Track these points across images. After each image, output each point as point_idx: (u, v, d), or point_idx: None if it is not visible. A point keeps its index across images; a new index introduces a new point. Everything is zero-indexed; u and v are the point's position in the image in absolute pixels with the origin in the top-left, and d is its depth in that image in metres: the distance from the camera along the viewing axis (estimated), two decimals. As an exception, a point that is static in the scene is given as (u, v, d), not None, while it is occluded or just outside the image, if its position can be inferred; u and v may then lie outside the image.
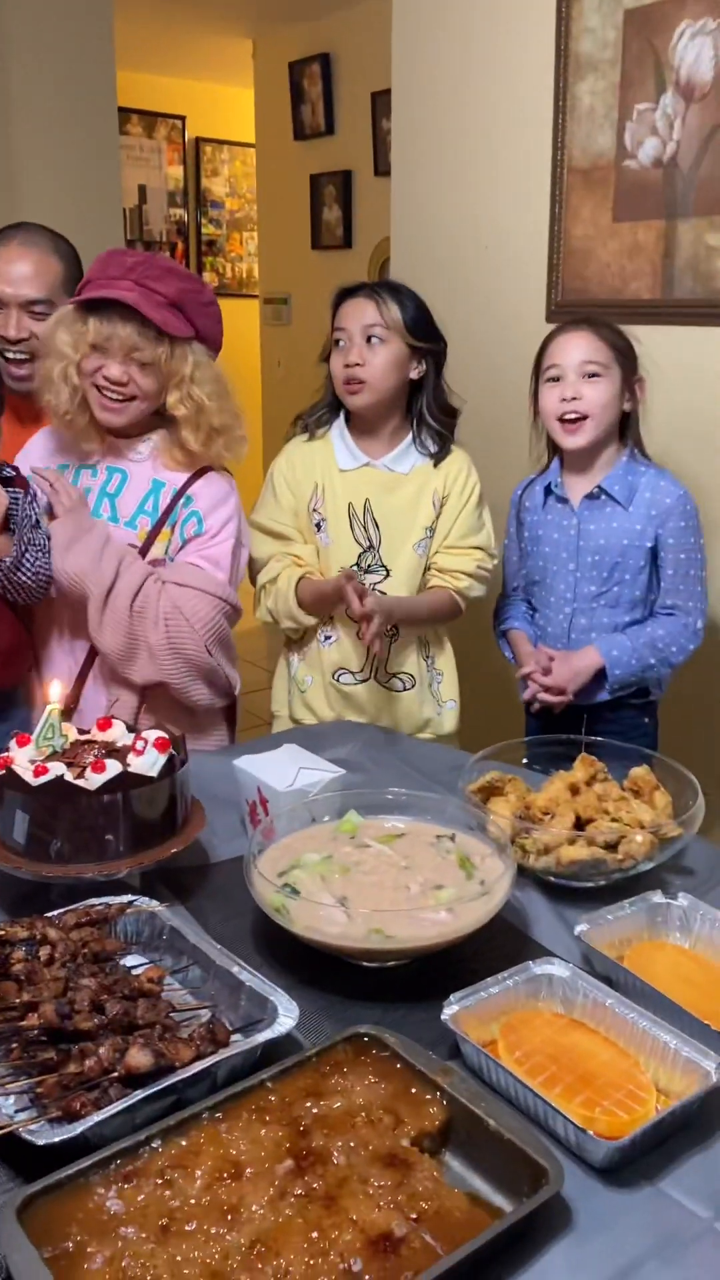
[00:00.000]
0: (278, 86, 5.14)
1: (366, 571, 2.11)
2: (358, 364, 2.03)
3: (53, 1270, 0.81)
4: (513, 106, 2.73)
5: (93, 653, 1.93)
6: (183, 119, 6.35)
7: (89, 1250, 0.84)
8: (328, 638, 2.18)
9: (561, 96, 2.59)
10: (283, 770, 1.53)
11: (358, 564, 2.12)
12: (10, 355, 2.13)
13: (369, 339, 2.03)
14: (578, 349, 2.02)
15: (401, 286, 2.10)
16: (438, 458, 2.14)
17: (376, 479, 2.13)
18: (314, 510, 2.15)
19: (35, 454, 2.00)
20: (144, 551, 1.91)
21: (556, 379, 2.03)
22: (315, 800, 1.48)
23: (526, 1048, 1.07)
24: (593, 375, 2.00)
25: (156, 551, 1.91)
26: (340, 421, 2.17)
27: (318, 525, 2.16)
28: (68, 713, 1.78)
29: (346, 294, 2.08)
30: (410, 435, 2.15)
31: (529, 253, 2.75)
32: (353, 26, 4.70)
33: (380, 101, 4.49)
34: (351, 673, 2.17)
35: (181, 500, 1.92)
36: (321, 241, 5.08)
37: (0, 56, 3.03)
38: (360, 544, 2.11)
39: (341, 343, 2.06)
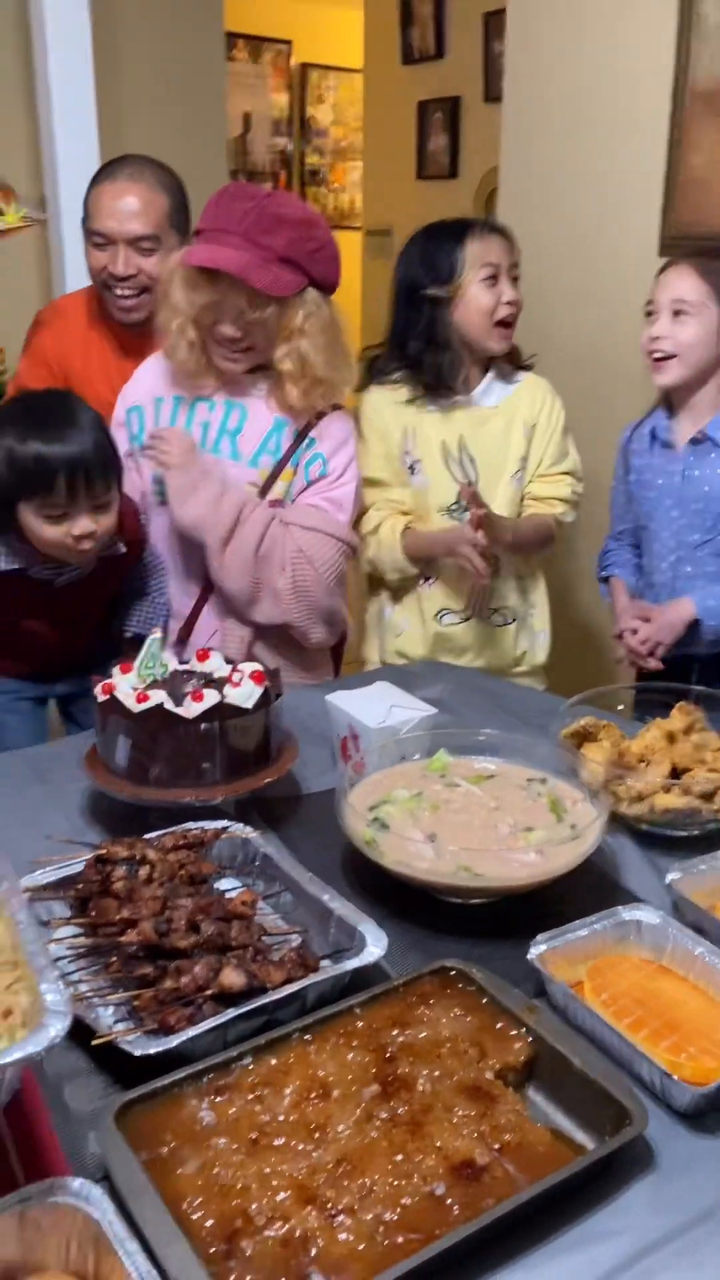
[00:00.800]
0: (387, 7, 4.99)
1: (465, 510, 2.09)
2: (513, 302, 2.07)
3: (148, 1173, 0.85)
4: (632, 24, 2.60)
5: (206, 591, 1.96)
6: (289, 43, 6.23)
7: (182, 1156, 0.88)
8: (428, 578, 2.18)
9: (686, 12, 2.46)
10: (374, 707, 1.53)
11: (457, 502, 2.10)
12: (119, 291, 2.14)
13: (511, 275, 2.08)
14: (672, 285, 1.97)
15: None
16: (515, 382, 2.17)
17: (465, 415, 2.13)
18: (405, 453, 2.14)
19: (144, 384, 2.00)
20: (264, 491, 1.91)
21: (650, 314, 1.99)
22: (405, 738, 1.49)
23: (613, 991, 1.07)
24: (680, 313, 1.95)
25: (277, 491, 1.92)
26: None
27: (410, 468, 2.14)
28: (180, 644, 1.81)
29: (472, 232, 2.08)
30: (492, 369, 2.16)
31: (642, 183, 2.64)
32: (466, -57, 4.53)
33: (493, 23, 4.32)
34: (454, 611, 2.18)
35: (305, 442, 1.91)
36: (426, 171, 4.96)
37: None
38: (459, 481, 2.09)
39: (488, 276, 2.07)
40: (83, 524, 1.67)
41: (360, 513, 2.13)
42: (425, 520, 2.15)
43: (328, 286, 1.86)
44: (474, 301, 2.05)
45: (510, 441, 2.14)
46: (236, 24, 5.59)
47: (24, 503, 1.65)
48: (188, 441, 1.90)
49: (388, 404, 2.15)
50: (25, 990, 0.86)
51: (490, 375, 2.15)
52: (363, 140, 5.69)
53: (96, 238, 2.11)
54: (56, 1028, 0.78)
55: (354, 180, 6.58)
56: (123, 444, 1.90)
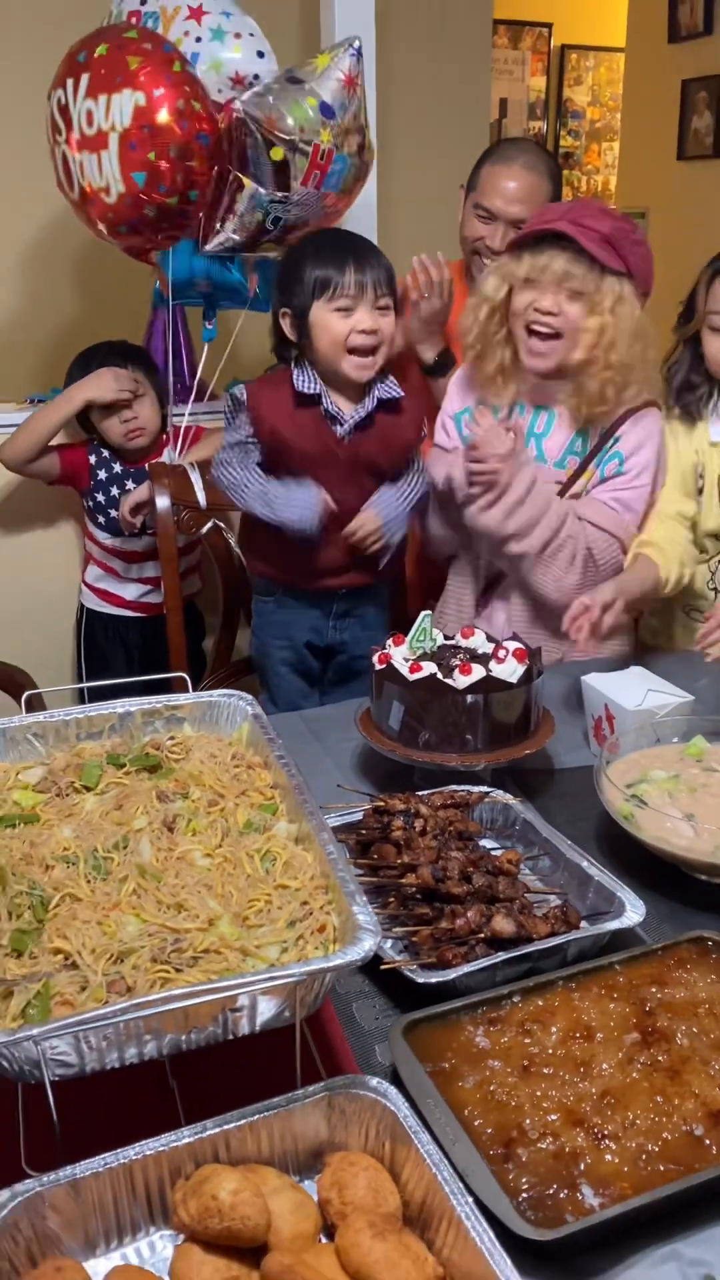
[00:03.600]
0: (654, -16, 4.90)
1: None
2: None
3: (434, 1081, 0.97)
4: None
5: (498, 575, 2.07)
6: (549, 26, 6.21)
7: (462, 1072, 0.99)
8: None
9: None
10: (631, 690, 1.59)
11: None
12: (486, 261, 2.29)
13: None
14: None
15: None
16: None
17: None
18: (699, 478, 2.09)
19: (454, 394, 2.12)
20: (564, 490, 2.00)
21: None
22: (661, 722, 1.55)
23: None
24: None
25: (576, 488, 2.00)
26: (715, 398, 2.04)
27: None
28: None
29: None
30: None
31: None
32: None
33: (768, -5, 4.18)
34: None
35: (610, 440, 1.97)
36: (688, 151, 4.85)
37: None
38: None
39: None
40: (366, 318, 1.88)
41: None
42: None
43: (642, 284, 1.91)
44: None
45: None
46: (499, 10, 5.63)
47: (317, 301, 1.88)
48: (508, 447, 1.91)
49: (684, 441, 2.06)
50: (336, 911, 0.99)
51: None
52: (620, 121, 5.62)
53: (480, 211, 2.30)
54: (369, 942, 0.90)
55: (608, 162, 6.50)
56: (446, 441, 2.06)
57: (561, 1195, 0.87)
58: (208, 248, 2.17)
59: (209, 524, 2.35)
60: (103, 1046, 0.87)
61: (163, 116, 1.97)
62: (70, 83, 1.96)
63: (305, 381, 1.94)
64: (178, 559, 2.36)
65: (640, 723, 1.53)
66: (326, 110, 2.15)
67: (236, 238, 2.17)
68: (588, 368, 1.91)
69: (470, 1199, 0.82)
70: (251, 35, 2.18)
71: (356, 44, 2.17)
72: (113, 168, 1.98)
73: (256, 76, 2.17)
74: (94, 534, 2.59)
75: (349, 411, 1.97)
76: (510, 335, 1.96)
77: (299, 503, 1.94)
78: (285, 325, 1.95)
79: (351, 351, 1.91)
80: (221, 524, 2.37)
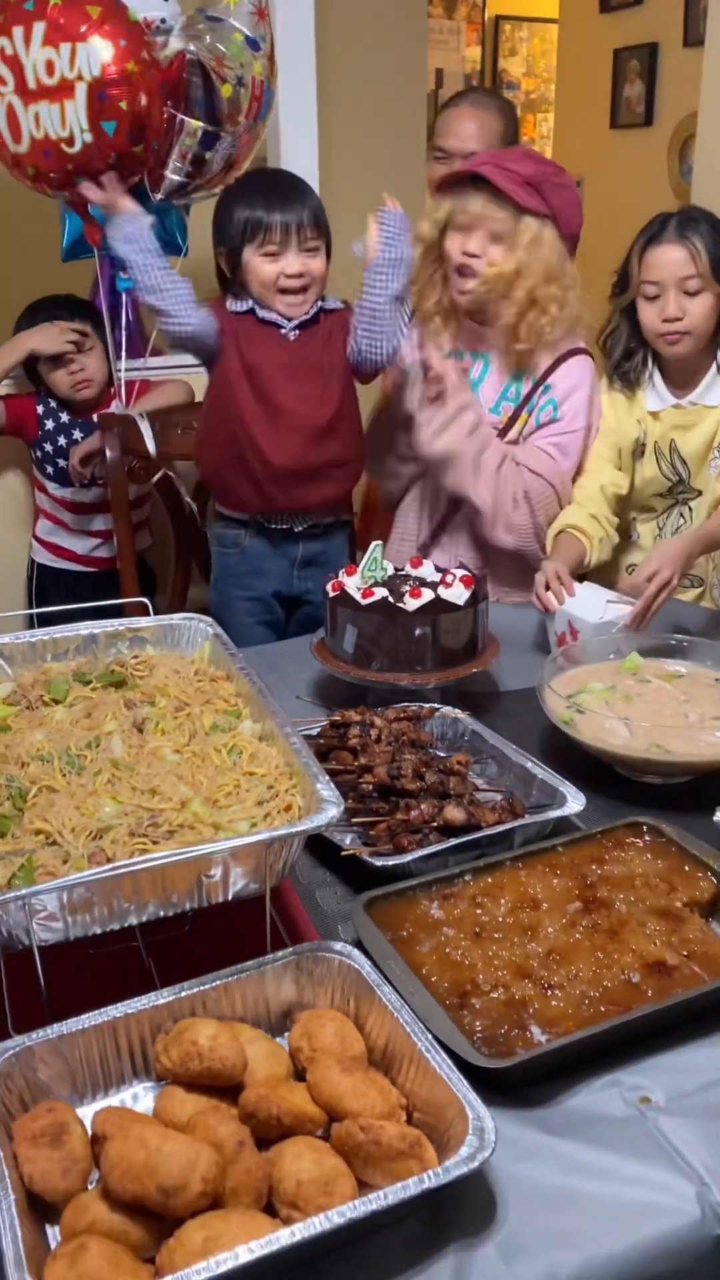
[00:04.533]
0: (586, -44, 4.98)
1: (678, 496, 2.10)
2: (678, 318, 1.91)
3: (393, 946, 1.04)
4: None
5: (443, 520, 2.15)
6: (483, -4, 6.27)
7: (419, 939, 1.07)
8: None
9: None
10: (590, 604, 1.69)
11: (668, 492, 2.10)
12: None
13: (685, 290, 1.90)
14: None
15: (704, 219, 1.91)
16: None
17: (679, 418, 2.04)
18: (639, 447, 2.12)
19: (406, 348, 2.12)
20: (503, 433, 2.08)
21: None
22: (614, 637, 1.64)
23: None
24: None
25: (512, 434, 2.08)
26: (650, 365, 2.06)
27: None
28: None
29: (651, 240, 1.91)
30: (715, 366, 2.01)
31: None
32: None
33: (696, -35, 4.28)
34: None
35: (541, 388, 2.05)
36: (620, 120, 4.95)
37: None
38: (669, 479, 2.08)
39: (654, 294, 1.92)
40: (294, 262, 1.93)
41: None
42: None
43: (566, 228, 1.97)
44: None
45: (717, 435, 2.03)
46: (433, -20, 5.68)
47: (247, 246, 1.93)
48: (459, 372, 2.02)
49: (620, 408, 2.09)
50: (301, 794, 1.06)
51: (712, 372, 2.01)
52: (555, 91, 5.70)
53: (438, 153, 2.40)
54: (334, 810, 0.98)
55: (543, 133, 6.58)
56: None
57: (513, 1034, 0.95)
58: (158, 195, 2.21)
59: (160, 473, 2.39)
60: (87, 912, 0.93)
61: (131, 65, 1.99)
62: (19, 31, 1.96)
63: (236, 304, 2.00)
64: (129, 509, 2.40)
65: (602, 634, 1.63)
66: (251, 43, 2.21)
67: (180, 179, 2.21)
68: (507, 307, 1.98)
69: (430, 1036, 0.90)
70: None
71: None
72: (79, 117, 2.00)
73: (163, 20, 2.17)
74: (44, 485, 2.62)
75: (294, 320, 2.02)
76: (446, 277, 2.03)
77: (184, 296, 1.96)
78: (221, 263, 2.01)
79: (282, 292, 1.97)
80: (172, 474, 2.42)
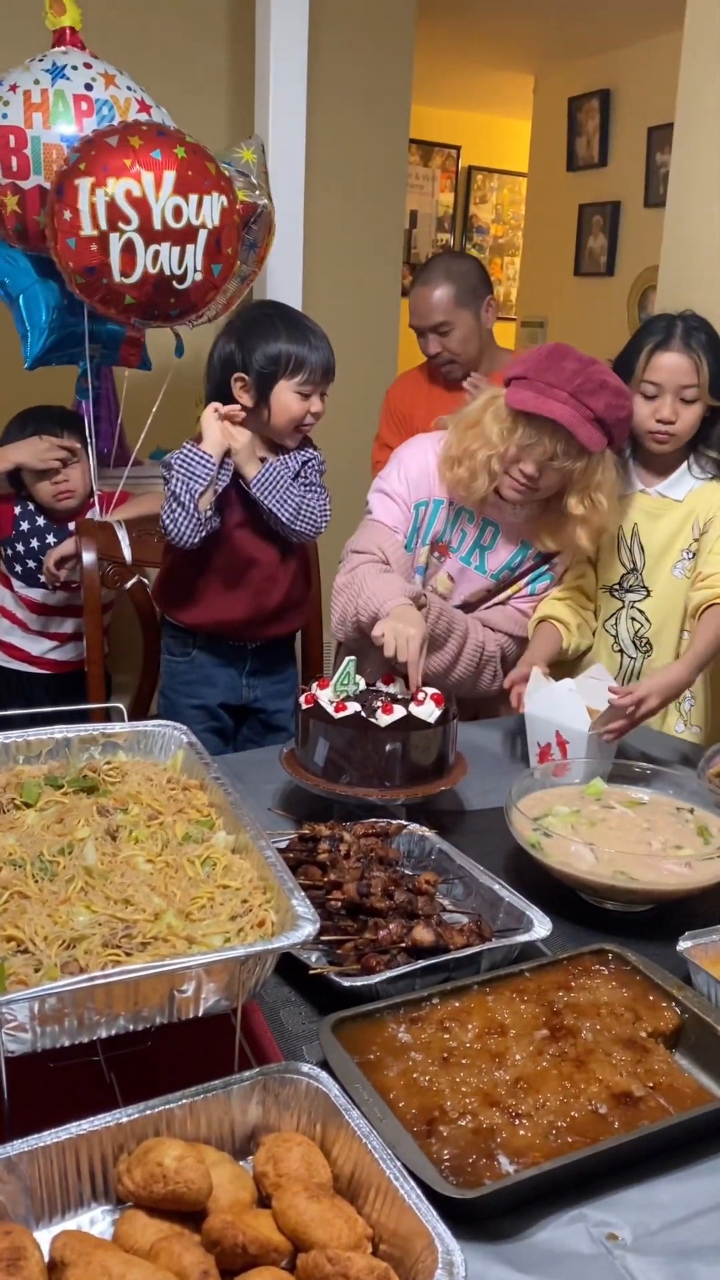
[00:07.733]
0: (555, 119, 5.34)
1: (628, 591, 2.19)
2: (671, 421, 2.02)
3: (361, 1070, 1.03)
4: None
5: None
6: (458, 149, 6.66)
7: (387, 1063, 1.06)
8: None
9: None
10: (572, 711, 1.75)
11: (619, 584, 2.19)
12: (436, 361, 2.85)
13: (682, 397, 2.01)
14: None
15: (702, 328, 2.03)
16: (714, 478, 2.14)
17: (646, 504, 2.14)
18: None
19: (420, 484, 2.18)
20: (490, 595, 2.21)
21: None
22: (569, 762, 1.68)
23: (754, 983, 1.21)
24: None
25: (501, 596, 2.21)
26: (628, 452, 2.17)
27: None
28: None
29: (660, 345, 2.01)
30: (686, 462, 2.13)
31: None
32: (634, 63, 4.85)
33: (656, 135, 4.61)
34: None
35: (548, 562, 2.21)
36: (584, 268, 5.24)
37: (310, 90, 3.36)
38: (624, 566, 2.18)
39: (652, 394, 2.02)
40: (318, 403, 2.08)
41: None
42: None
43: (613, 446, 2.06)
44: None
45: (681, 533, 2.12)
46: (413, 131, 6.04)
47: (284, 380, 2.04)
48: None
49: None
50: (275, 909, 1.06)
51: (683, 468, 2.12)
52: (522, 238, 6.04)
53: (414, 328, 2.84)
54: (310, 927, 0.98)
55: (510, 275, 6.93)
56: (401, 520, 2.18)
57: (480, 1163, 0.94)
58: (198, 322, 2.49)
59: (133, 579, 2.42)
60: (57, 1024, 0.91)
61: (236, 217, 2.32)
62: (150, 177, 2.15)
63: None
64: (101, 613, 2.42)
65: (590, 745, 1.69)
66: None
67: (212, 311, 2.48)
68: (575, 522, 2.07)
69: (399, 1164, 0.89)
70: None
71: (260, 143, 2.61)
72: (195, 260, 2.25)
73: (239, 173, 2.51)
74: (10, 582, 2.63)
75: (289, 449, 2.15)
76: (493, 470, 2.05)
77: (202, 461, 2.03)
78: (236, 389, 2.07)
79: (297, 429, 2.10)
80: (145, 580, 2.45)
